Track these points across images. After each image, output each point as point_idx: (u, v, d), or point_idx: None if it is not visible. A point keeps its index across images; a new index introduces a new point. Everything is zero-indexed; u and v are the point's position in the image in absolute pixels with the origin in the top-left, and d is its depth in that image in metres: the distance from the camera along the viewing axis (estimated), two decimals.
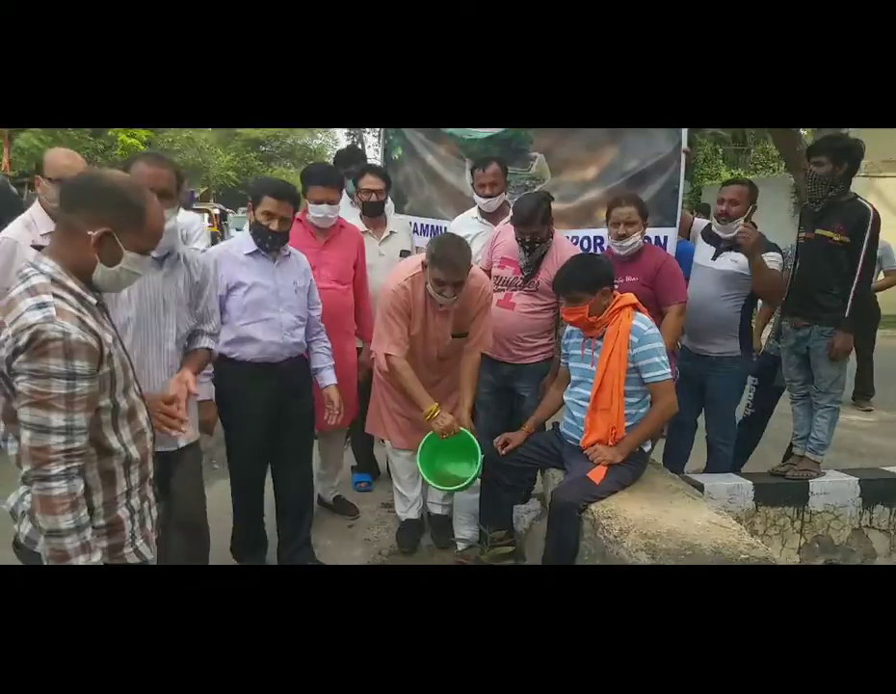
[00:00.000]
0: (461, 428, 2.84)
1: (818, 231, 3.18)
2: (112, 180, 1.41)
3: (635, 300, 2.59)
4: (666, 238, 3.67)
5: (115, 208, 1.38)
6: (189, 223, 3.52)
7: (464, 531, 3.17)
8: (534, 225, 2.94)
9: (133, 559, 1.52)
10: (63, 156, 2.72)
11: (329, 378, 2.90)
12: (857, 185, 3.34)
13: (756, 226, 3.40)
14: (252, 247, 2.65)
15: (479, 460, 2.77)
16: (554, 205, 4.02)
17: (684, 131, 3.60)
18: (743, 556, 2.06)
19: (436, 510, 3.32)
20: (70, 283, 1.37)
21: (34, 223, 2.58)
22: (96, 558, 1.37)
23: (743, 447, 3.91)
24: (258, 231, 2.62)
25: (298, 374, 2.82)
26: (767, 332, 4.13)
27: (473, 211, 3.54)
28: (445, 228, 3.65)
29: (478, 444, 2.80)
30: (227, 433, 2.79)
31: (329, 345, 2.94)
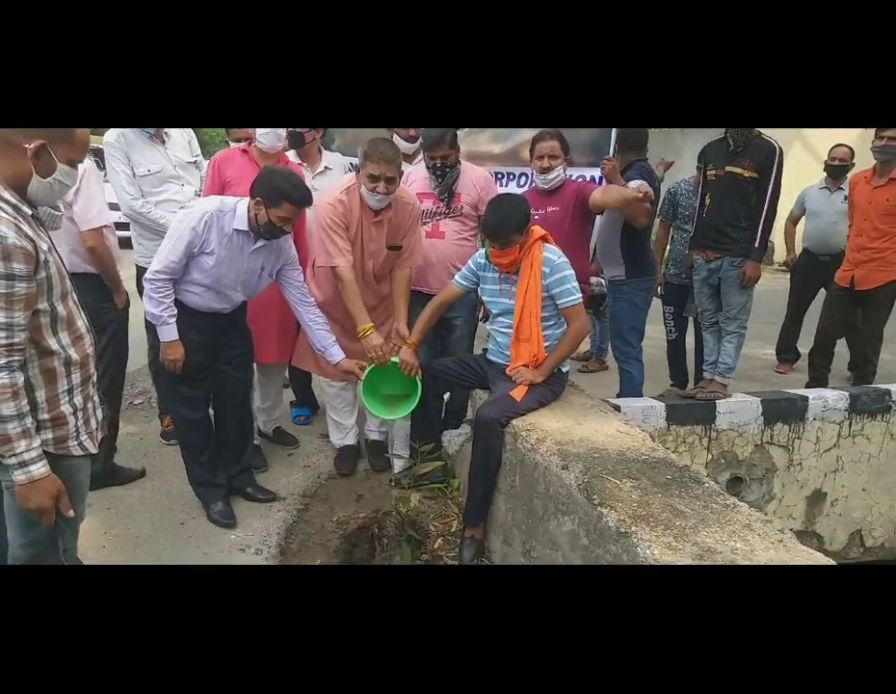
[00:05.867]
0: (393, 359, 2.94)
1: (728, 169, 3.39)
2: None
3: (543, 232, 2.74)
4: (601, 179, 3.82)
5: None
6: None
7: (400, 452, 3.33)
8: (442, 148, 3.09)
9: (77, 451, 1.64)
10: None
11: (338, 354, 2.94)
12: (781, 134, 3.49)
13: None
14: (245, 227, 2.65)
15: (418, 391, 2.90)
16: (485, 146, 4.16)
17: None
18: (644, 456, 2.28)
19: (373, 436, 3.48)
20: (7, 195, 1.46)
21: None
22: (36, 443, 1.49)
23: (676, 369, 4.25)
24: (268, 229, 2.62)
25: (235, 312, 2.90)
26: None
27: None
28: None
29: (418, 378, 2.90)
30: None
31: (324, 318, 2.95)
